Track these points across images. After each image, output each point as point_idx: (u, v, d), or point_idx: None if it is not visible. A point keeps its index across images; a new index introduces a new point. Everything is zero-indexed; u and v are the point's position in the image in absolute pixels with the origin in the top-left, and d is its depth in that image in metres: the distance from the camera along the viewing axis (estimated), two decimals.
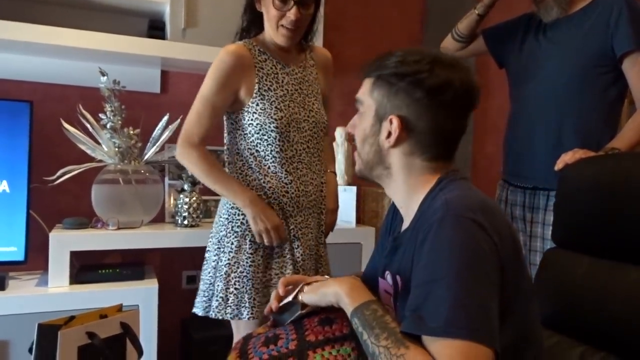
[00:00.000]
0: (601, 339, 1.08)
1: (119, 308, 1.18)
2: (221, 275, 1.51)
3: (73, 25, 2.05)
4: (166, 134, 2.14)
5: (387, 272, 0.99)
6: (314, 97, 1.61)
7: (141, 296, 1.96)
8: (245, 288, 1.49)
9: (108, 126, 2.02)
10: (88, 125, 2.03)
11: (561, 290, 1.20)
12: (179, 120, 2.16)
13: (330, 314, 0.95)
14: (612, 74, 1.59)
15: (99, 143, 2.05)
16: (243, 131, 1.54)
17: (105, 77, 2.01)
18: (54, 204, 2.15)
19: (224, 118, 1.61)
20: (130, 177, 2.05)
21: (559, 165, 1.35)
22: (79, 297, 1.87)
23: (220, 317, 1.50)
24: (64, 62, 2.24)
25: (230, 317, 1.50)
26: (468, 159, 3.05)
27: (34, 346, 1.03)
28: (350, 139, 1.06)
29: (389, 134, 0.94)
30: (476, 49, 1.96)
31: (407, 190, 0.97)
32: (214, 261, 1.56)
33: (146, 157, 2.13)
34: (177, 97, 2.48)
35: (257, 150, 1.52)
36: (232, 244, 1.52)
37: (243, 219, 1.52)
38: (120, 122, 2.04)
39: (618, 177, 1.14)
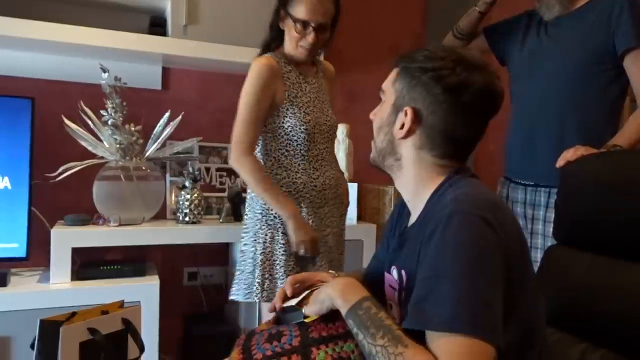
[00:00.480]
0: (602, 336, 1.08)
1: (121, 304, 1.18)
2: (257, 263, 1.68)
3: (74, 21, 2.04)
4: (167, 131, 2.14)
5: (393, 267, 1.00)
6: (327, 104, 1.82)
7: (142, 293, 1.96)
8: (279, 274, 1.68)
9: (109, 123, 2.02)
10: (89, 122, 2.03)
11: (562, 287, 1.20)
12: (180, 117, 2.16)
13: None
14: (613, 71, 1.59)
15: (100, 140, 2.05)
16: (274, 133, 1.72)
17: (107, 74, 2.01)
18: (55, 200, 2.15)
19: None
20: (132, 173, 2.05)
21: (560, 162, 1.35)
22: (80, 294, 1.88)
23: (257, 301, 1.69)
24: (66, 58, 2.25)
25: (266, 301, 1.68)
26: (470, 155, 3.04)
27: (35, 342, 1.03)
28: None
29: (402, 125, 0.94)
30: (477, 46, 1.95)
31: (415, 184, 0.97)
32: (251, 252, 1.72)
33: (147, 154, 2.13)
34: (178, 93, 2.48)
35: (287, 150, 1.71)
36: (267, 235, 1.70)
37: (275, 213, 1.69)
38: (121, 118, 2.04)
39: (620, 174, 1.14)
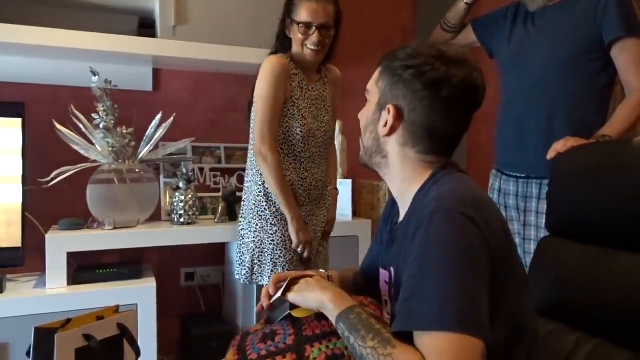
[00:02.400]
0: (596, 325, 1.09)
1: (116, 309, 1.18)
2: (249, 249, 1.83)
3: (63, 25, 2.03)
4: (160, 132, 2.13)
5: (384, 263, 1.00)
6: (325, 111, 1.89)
7: (139, 295, 1.96)
8: (266, 261, 1.81)
9: (101, 126, 2.02)
10: (81, 126, 2.02)
11: (556, 278, 1.21)
12: (172, 118, 2.15)
13: None
14: (601, 61, 1.59)
15: (92, 143, 2.05)
16: None
17: (97, 77, 2.00)
18: (49, 205, 2.15)
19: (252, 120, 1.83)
20: (125, 176, 2.04)
21: (551, 154, 1.35)
22: (77, 298, 1.88)
23: (245, 282, 1.87)
24: (55, 62, 2.24)
25: (255, 283, 1.88)
26: (463, 148, 3.06)
27: (31, 350, 1.03)
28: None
29: (386, 123, 0.95)
30: (466, 39, 1.96)
31: (402, 182, 0.98)
32: (245, 238, 1.86)
33: (140, 156, 2.13)
34: (169, 94, 2.48)
35: (281, 148, 1.79)
36: (257, 225, 1.82)
37: (266, 206, 1.80)
38: (113, 121, 2.04)
39: (609, 165, 1.15)
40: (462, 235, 0.79)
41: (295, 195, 1.80)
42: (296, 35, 1.76)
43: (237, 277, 1.89)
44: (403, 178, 0.98)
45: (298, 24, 1.73)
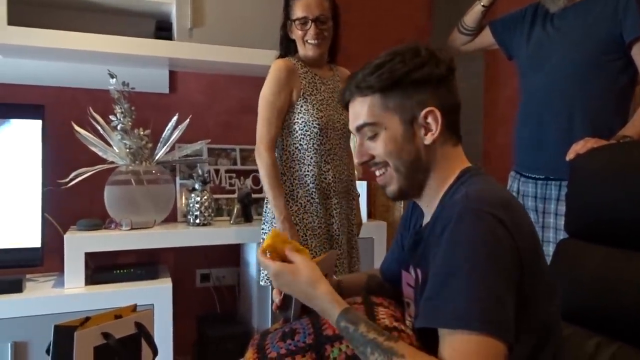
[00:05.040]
0: (617, 330, 1.07)
1: (134, 308, 1.19)
2: None
3: (81, 28, 2.06)
4: (176, 134, 2.15)
5: (409, 266, 0.99)
6: None
7: (155, 295, 1.98)
8: None
9: (118, 128, 2.04)
10: (99, 128, 2.05)
11: (575, 281, 1.19)
12: (188, 120, 2.17)
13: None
14: (621, 61, 1.58)
15: (110, 145, 2.07)
16: (289, 129, 1.84)
17: (115, 79, 2.02)
18: (67, 206, 2.17)
19: None
20: (142, 177, 2.06)
21: (570, 155, 1.34)
22: (94, 298, 1.90)
23: (266, 284, 1.90)
24: (74, 65, 2.27)
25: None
26: (479, 150, 3.03)
27: (50, 347, 1.05)
28: (365, 166, 1.03)
29: (426, 131, 0.92)
30: (484, 41, 1.95)
31: (434, 188, 0.96)
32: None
33: (157, 158, 2.15)
34: (186, 96, 2.50)
35: (300, 144, 1.83)
36: (274, 225, 1.82)
37: None
38: (130, 123, 2.06)
39: (630, 166, 1.13)
40: (490, 236, 0.78)
41: (320, 190, 1.83)
42: (296, 33, 1.82)
43: (261, 283, 1.91)
44: (437, 183, 0.95)
45: (295, 21, 1.80)
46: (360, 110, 0.95)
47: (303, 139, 1.82)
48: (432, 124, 0.92)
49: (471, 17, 1.91)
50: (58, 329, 1.05)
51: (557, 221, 1.62)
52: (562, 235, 1.37)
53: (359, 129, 0.96)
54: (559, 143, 1.57)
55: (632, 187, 1.10)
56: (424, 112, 0.91)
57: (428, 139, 0.92)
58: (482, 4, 1.85)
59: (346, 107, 1.00)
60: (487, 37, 1.93)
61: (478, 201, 0.82)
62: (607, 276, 1.12)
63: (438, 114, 0.91)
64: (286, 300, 1.03)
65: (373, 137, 0.95)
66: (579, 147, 1.34)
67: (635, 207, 1.09)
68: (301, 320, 0.98)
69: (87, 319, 1.08)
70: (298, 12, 1.79)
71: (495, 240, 0.78)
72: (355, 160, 0.99)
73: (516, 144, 1.81)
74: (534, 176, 1.71)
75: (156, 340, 1.18)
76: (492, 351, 0.72)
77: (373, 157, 0.96)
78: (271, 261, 0.95)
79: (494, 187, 0.89)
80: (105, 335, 1.06)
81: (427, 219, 0.98)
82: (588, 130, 1.53)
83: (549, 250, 1.63)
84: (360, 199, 2.21)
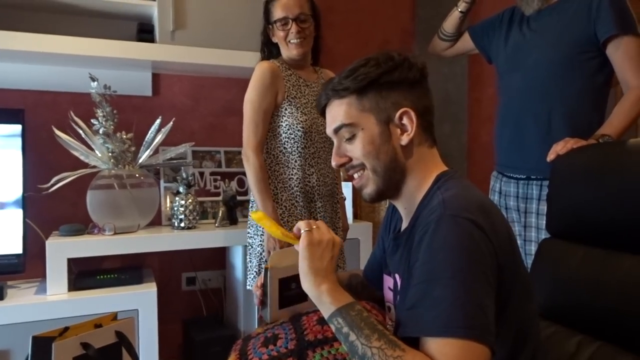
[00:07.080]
0: (597, 328, 1.09)
1: (114, 317, 1.17)
2: (255, 254, 1.85)
3: (62, 31, 2.04)
4: (159, 137, 2.13)
5: (389, 270, 1.00)
6: None
7: (140, 300, 1.96)
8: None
9: (100, 131, 2.01)
10: (80, 132, 2.02)
11: (556, 280, 1.21)
12: (171, 122, 2.15)
13: None
14: (597, 60, 1.60)
15: (92, 149, 2.04)
16: (273, 132, 1.83)
17: (96, 83, 2.00)
18: (49, 211, 2.15)
19: None
20: (125, 181, 2.04)
21: (550, 156, 1.35)
22: (78, 304, 1.87)
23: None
24: (54, 68, 2.24)
25: None
26: (463, 149, 3.05)
27: (29, 359, 1.03)
28: (342, 167, 1.02)
29: (402, 132, 0.94)
30: (464, 47, 1.98)
31: (411, 191, 0.96)
32: (252, 244, 1.88)
33: (140, 161, 2.13)
34: (169, 99, 2.48)
35: (285, 148, 1.82)
36: (263, 230, 1.82)
37: None
38: (112, 126, 2.03)
39: (609, 166, 1.15)
40: (469, 241, 0.79)
41: (304, 192, 1.83)
42: (278, 35, 1.81)
43: (248, 287, 1.90)
44: (414, 185, 0.95)
45: (276, 22, 1.79)
46: (337, 112, 0.96)
47: (287, 142, 1.82)
48: (408, 124, 0.93)
49: (450, 23, 1.94)
50: (36, 340, 1.03)
51: (539, 220, 1.64)
52: (544, 234, 1.39)
53: (337, 130, 0.97)
54: (539, 142, 1.59)
55: (611, 188, 1.12)
56: (399, 112, 0.93)
57: (404, 140, 0.93)
58: (459, 9, 1.88)
59: (323, 114, 1.01)
60: (467, 43, 1.95)
61: (455, 207, 0.82)
62: (588, 275, 1.13)
63: (413, 114, 0.93)
64: (264, 298, 1.03)
65: (350, 139, 0.96)
66: (559, 148, 1.35)
67: (614, 207, 1.10)
68: (283, 325, 0.98)
69: (67, 328, 1.07)
70: (278, 13, 1.78)
71: (474, 245, 0.78)
72: (333, 163, 0.99)
73: (496, 144, 1.83)
74: (515, 176, 1.73)
75: (141, 345, 1.18)
76: (476, 355, 0.73)
77: (350, 159, 0.97)
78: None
79: (469, 192, 0.89)
80: (85, 345, 1.05)
81: (405, 224, 0.99)
82: (567, 129, 1.55)
83: (532, 249, 1.65)
84: (346, 202, 2.22)
